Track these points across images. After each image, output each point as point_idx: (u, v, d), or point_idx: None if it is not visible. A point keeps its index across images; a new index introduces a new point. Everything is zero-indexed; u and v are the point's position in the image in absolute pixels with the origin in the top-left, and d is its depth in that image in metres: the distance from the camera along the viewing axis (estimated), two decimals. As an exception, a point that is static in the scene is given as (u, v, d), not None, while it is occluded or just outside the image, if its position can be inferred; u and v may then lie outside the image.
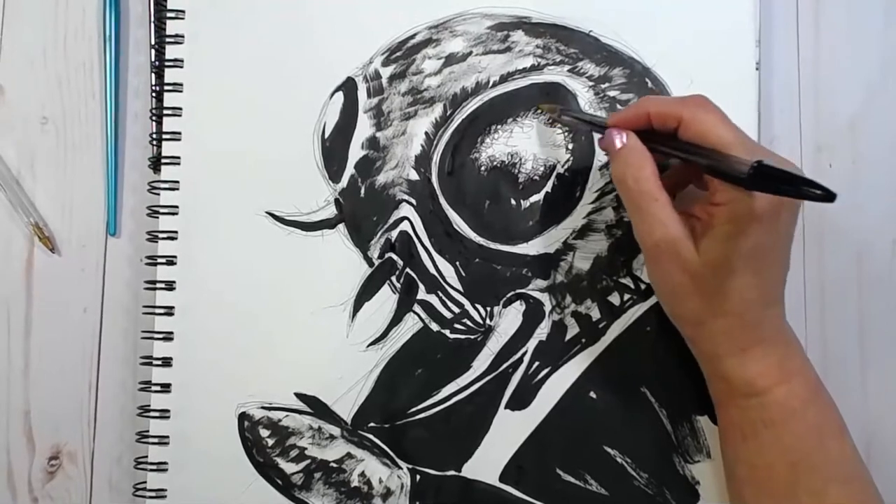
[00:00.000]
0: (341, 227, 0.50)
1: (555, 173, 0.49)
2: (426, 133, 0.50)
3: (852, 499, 0.41)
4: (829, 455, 0.42)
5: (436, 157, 0.50)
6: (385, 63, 0.50)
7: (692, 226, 0.41)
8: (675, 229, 0.41)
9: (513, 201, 0.49)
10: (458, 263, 0.49)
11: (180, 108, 0.50)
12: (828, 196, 0.35)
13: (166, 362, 0.49)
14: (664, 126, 0.42)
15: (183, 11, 0.51)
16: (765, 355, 0.42)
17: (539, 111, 0.49)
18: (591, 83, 0.49)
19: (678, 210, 0.41)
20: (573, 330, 0.49)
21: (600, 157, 0.49)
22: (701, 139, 0.40)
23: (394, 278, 0.49)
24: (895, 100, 0.52)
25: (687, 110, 0.41)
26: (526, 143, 0.49)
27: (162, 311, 0.49)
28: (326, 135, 0.50)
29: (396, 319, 0.49)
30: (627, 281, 0.49)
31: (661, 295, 0.44)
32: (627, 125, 0.43)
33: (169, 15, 0.51)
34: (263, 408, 0.49)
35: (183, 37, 0.50)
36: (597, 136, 0.48)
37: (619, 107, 0.49)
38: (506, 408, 0.49)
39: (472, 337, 0.49)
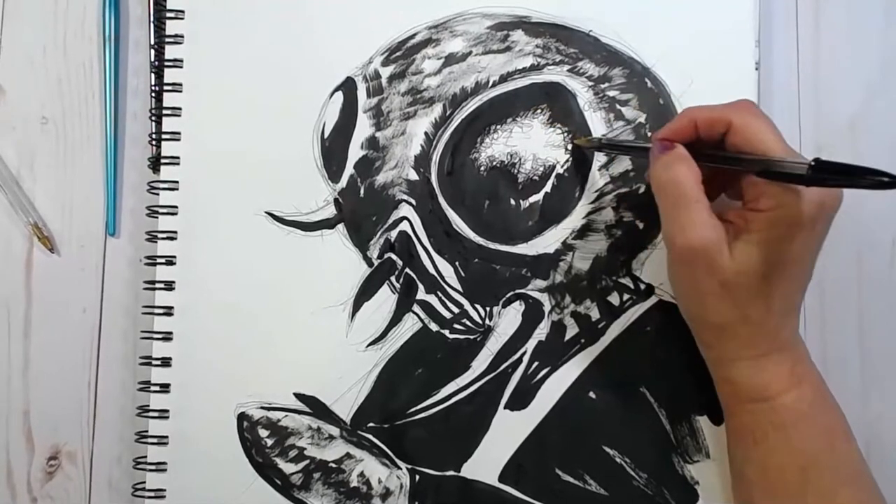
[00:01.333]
0: (341, 227, 0.50)
1: (554, 173, 0.49)
2: (426, 133, 0.50)
3: (861, 500, 0.41)
4: (837, 457, 0.42)
5: (435, 157, 0.50)
6: (385, 63, 0.50)
7: (726, 231, 0.41)
8: (714, 232, 0.40)
9: (512, 201, 0.49)
10: (457, 263, 0.49)
11: (180, 108, 0.50)
12: (893, 182, 0.34)
13: (165, 362, 0.49)
14: (712, 132, 0.41)
15: (183, 11, 0.51)
16: (778, 361, 0.42)
17: (578, 144, 0.49)
18: (590, 83, 0.49)
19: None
20: (572, 330, 0.49)
21: (600, 158, 0.49)
22: (750, 145, 0.40)
23: (393, 278, 0.49)
24: (895, 100, 0.52)
25: (737, 115, 0.40)
26: (525, 143, 0.49)
27: (161, 311, 0.49)
28: (326, 135, 0.50)
29: (396, 319, 0.49)
30: (627, 281, 0.49)
31: (686, 298, 0.44)
32: (674, 138, 0.42)
33: (169, 15, 0.51)
34: (263, 408, 0.49)
35: (183, 37, 0.50)
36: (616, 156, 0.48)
37: (618, 107, 0.49)
38: (505, 408, 0.49)
39: (472, 337, 0.49)
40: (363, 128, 0.50)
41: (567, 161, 0.49)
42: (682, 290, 0.44)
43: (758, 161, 0.39)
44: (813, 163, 0.36)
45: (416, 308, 0.49)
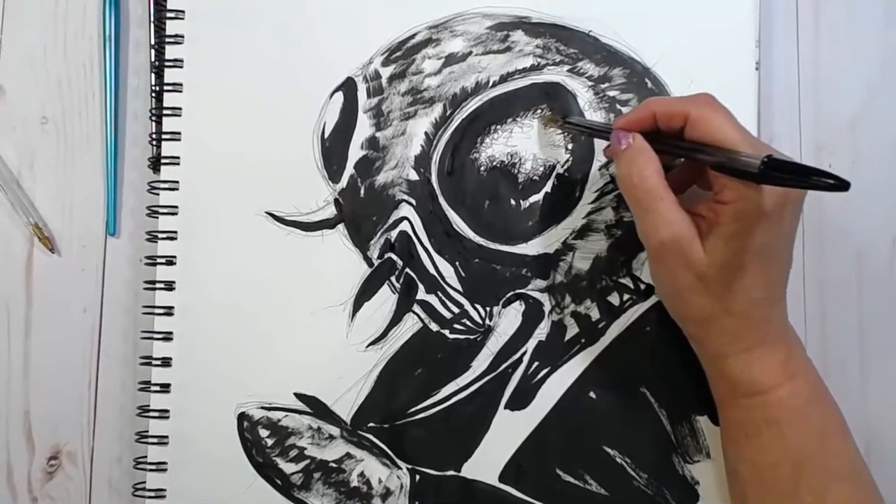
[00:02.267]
0: (341, 227, 0.50)
1: (554, 173, 0.49)
2: (426, 133, 0.50)
3: (854, 498, 0.41)
4: (831, 454, 0.42)
5: (435, 157, 0.50)
6: (385, 63, 0.50)
7: (697, 225, 0.41)
8: (682, 228, 0.40)
9: (512, 201, 0.49)
10: (457, 263, 0.49)
11: (180, 108, 0.50)
12: (841, 185, 0.35)
13: (166, 362, 0.49)
14: (670, 125, 0.42)
15: (183, 11, 0.51)
16: (769, 355, 0.42)
17: (542, 123, 0.49)
18: (590, 83, 0.49)
19: (683, 209, 0.41)
20: (573, 330, 0.49)
21: (600, 158, 0.49)
22: (708, 137, 0.40)
23: (393, 278, 0.49)
24: (895, 100, 0.52)
25: (694, 108, 0.41)
26: (526, 143, 0.49)
27: (161, 311, 0.49)
28: (326, 135, 0.50)
29: (396, 319, 0.49)
30: (627, 281, 0.49)
31: (666, 294, 0.44)
32: (633, 127, 0.43)
33: (169, 15, 0.51)
34: (263, 408, 0.49)
35: (183, 37, 0.50)
36: (599, 142, 0.48)
37: (618, 107, 0.49)
38: (505, 408, 0.49)
39: (472, 337, 0.49)
40: (363, 128, 0.50)
41: (567, 161, 0.49)
42: (662, 287, 0.44)
43: (712, 154, 0.39)
44: (765, 159, 0.36)
45: (416, 308, 0.49)
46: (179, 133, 0.50)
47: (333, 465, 0.49)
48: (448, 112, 0.50)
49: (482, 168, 0.49)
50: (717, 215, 0.40)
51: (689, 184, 0.45)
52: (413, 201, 0.49)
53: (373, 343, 0.49)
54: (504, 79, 0.50)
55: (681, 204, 0.41)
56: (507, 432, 0.48)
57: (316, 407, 0.49)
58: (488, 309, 0.49)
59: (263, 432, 0.49)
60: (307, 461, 0.49)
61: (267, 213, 0.50)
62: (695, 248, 0.40)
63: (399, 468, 0.49)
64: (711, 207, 0.41)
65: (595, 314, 0.49)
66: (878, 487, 0.42)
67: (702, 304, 0.41)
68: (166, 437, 0.49)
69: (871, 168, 0.51)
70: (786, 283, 0.43)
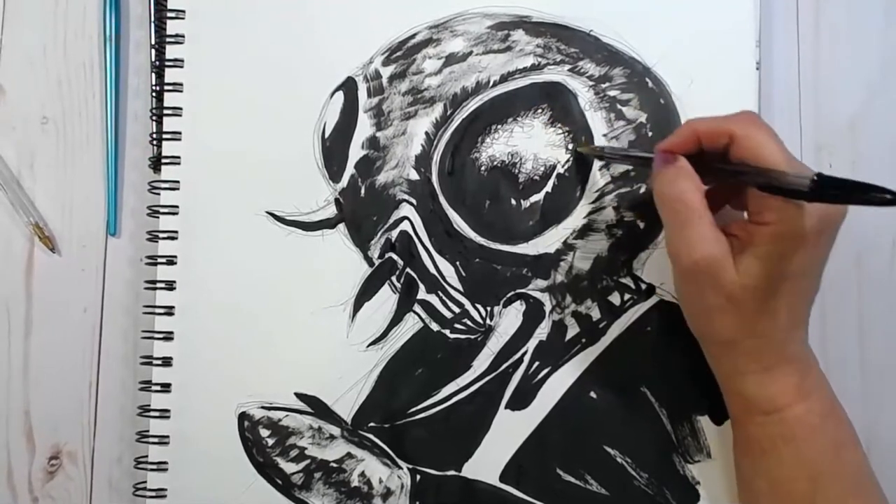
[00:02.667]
0: (341, 226, 0.50)
1: (555, 173, 0.49)
2: (426, 133, 0.50)
3: None
4: (846, 468, 0.42)
5: (436, 157, 0.50)
6: (385, 63, 0.50)
7: (731, 245, 0.40)
8: (718, 247, 0.40)
9: (513, 201, 0.49)
10: (458, 263, 0.49)
11: (180, 108, 0.50)
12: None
13: (166, 362, 0.49)
14: (714, 144, 0.41)
15: (183, 11, 0.51)
16: (787, 374, 0.41)
17: (582, 151, 0.49)
18: (591, 83, 0.49)
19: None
20: (573, 330, 0.49)
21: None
22: (753, 155, 0.39)
23: (394, 278, 0.49)
24: (895, 100, 0.52)
25: (739, 127, 0.40)
26: (526, 143, 0.49)
27: (162, 310, 0.49)
28: (326, 134, 0.50)
29: (396, 319, 0.49)
30: (628, 281, 0.49)
31: (692, 314, 0.43)
32: (676, 149, 0.42)
33: (169, 15, 0.51)
34: (263, 408, 0.49)
35: (183, 37, 0.50)
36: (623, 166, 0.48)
37: (619, 107, 0.49)
38: (506, 408, 0.49)
39: (473, 337, 0.49)
40: (364, 127, 0.50)
41: (568, 161, 0.49)
42: (689, 306, 0.43)
43: (760, 174, 0.39)
44: (815, 177, 0.36)
45: (416, 308, 0.49)
46: (180, 133, 0.50)
47: (334, 464, 0.49)
48: (448, 112, 0.50)
49: (483, 168, 0.49)
50: (751, 236, 0.39)
51: (722, 203, 0.45)
52: (413, 201, 0.49)
53: (373, 343, 0.49)
54: (504, 78, 0.50)
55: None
56: (508, 432, 0.48)
57: (316, 407, 0.49)
58: (489, 309, 0.49)
59: (264, 432, 0.49)
60: (308, 461, 0.49)
61: (267, 212, 0.50)
62: (728, 269, 0.39)
63: (400, 468, 0.49)
64: (746, 228, 0.40)
65: (596, 314, 0.49)
66: (886, 498, 0.42)
67: (728, 324, 0.41)
68: (167, 436, 0.49)
69: (871, 168, 0.51)
70: (811, 307, 0.43)
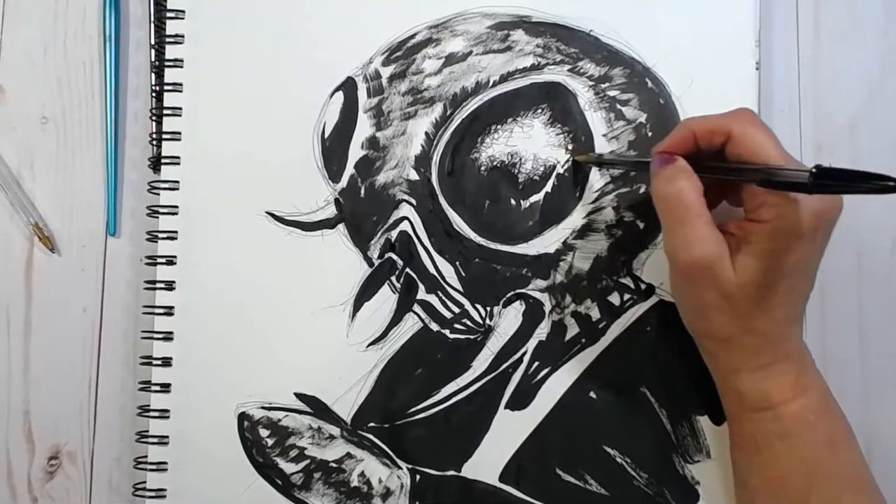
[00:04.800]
0: (341, 227, 0.50)
1: (555, 173, 0.49)
2: (426, 133, 0.50)
3: None
4: (841, 465, 0.42)
5: (436, 157, 0.50)
6: (385, 63, 0.50)
7: (728, 243, 0.40)
8: (716, 246, 0.40)
9: (513, 201, 0.49)
10: (457, 263, 0.49)
11: (180, 108, 0.50)
12: None
13: (166, 362, 0.49)
14: (711, 143, 0.41)
15: (183, 11, 0.51)
16: (783, 371, 0.41)
17: (577, 159, 0.49)
18: (591, 83, 0.49)
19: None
20: (573, 330, 0.49)
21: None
22: (750, 154, 0.39)
23: (394, 278, 0.49)
24: (895, 100, 0.52)
25: (736, 125, 0.40)
26: (526, 143, 0.49)
27: (162, 311, 0.49)
28: (326, 135, 0.50)
29: (396, 319, 0.49)
30: (627, 281, 0.49)
31: (689, 312, 0.43)
32: (674, 150, 0.42)
33: (169, 15, 0.51)
34: (263, 408, 0.49)
35: (183, 37, 0.50)
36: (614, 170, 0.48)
37: (619, 107, 0.49)
38: (506, 408, 0.49)
39: (472, 337, 0.49)
40: (363, 128, 0.50)
41: (568, 161, 0.49)
42: (686, 304, 0.43)
43: (759, 170, 0.39)
44: (814, 170, 0.36)
45: (416, 308, 0.49)
46: (179, 133, 0.50)
47: (334, 465, 0.49)
48: (448, 112, 0.50)
49: (482, 168, 0.49)
50: (749, 234, 0.39)
51: (719, 201, 0.45)
52: (413, 201, 0.49)
53: (373, 343, 0.49)
54: (504, 78, 0.50)
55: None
56: (508, 432, 0.48)
57: (316, 407, 0.49)
58: (488, 309, 0.49)
59: (264, 432, 0.49)
60: (307, 461, 0.49)
61: (267, 212, 0.50)
62: (726, 268, 0.40)
63: (399, 468, 0.49)
64: (743, 226, 0.40)
65: (595, 314, 0.49)
66: (882, 494, 0.42)
67: (724, 322, 0.41)
68: (166, 436, 0.49)
69: (870, 168, 0.50)
70: (806, 304, 0.43)
